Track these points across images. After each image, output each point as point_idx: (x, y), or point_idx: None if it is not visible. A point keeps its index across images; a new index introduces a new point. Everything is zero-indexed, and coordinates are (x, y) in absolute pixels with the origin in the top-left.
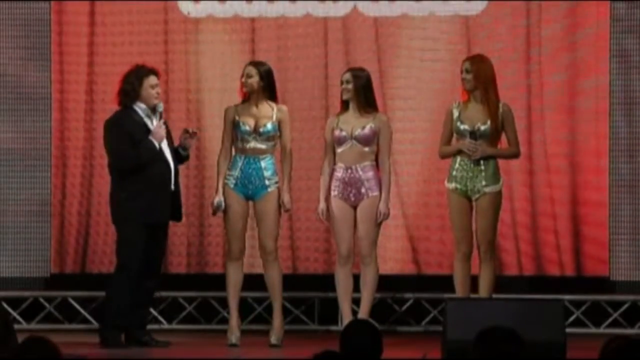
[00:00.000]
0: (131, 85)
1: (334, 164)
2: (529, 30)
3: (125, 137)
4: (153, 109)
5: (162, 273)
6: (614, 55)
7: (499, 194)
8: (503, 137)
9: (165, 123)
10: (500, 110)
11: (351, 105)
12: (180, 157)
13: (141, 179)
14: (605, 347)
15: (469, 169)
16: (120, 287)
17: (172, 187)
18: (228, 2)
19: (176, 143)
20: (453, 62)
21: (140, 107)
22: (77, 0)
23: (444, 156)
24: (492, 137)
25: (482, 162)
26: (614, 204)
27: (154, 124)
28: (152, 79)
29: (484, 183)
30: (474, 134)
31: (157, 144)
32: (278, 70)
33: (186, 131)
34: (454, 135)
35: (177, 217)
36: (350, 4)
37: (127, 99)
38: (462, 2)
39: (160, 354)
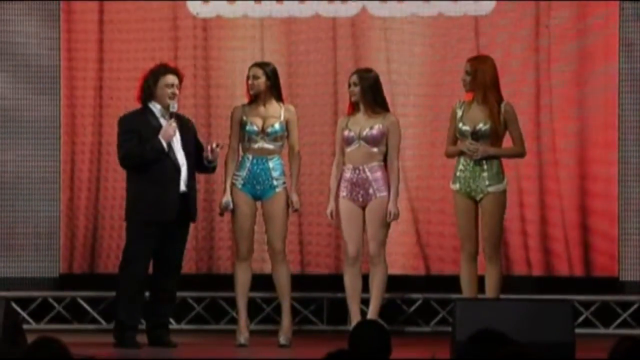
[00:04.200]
0: (147, 84)
1: (344, 164)
2: (538, 29)
3: (131, 134)
4: (168, 109)
5: None
6: (624, 49)
7: (502, 194)
8: (508, 137)
9: (187, 124)
10: (502, 110)
11: (360, 106)
12: (203, 165)
13: (147, 177)
14: (615, 348)
15: (472, 169)
16: (125, 285)
17: (184, 187)
18: (237, 2)
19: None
20: (462, 61)
21: (155, 107)
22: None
23: (449, 156)
24: (493, 137)
25: (484, 162)
26: (623, 205)
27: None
28: (169, 78)
29: (487, 183)
30: (475, 135)
31: (164, 144)
32: (287, 70)
33: (211, 147)
34: (457, 135)
35: (188, 217)
36: (359, 5)
37: (144, 97)
38: (471, 2)
39: (168, 354)
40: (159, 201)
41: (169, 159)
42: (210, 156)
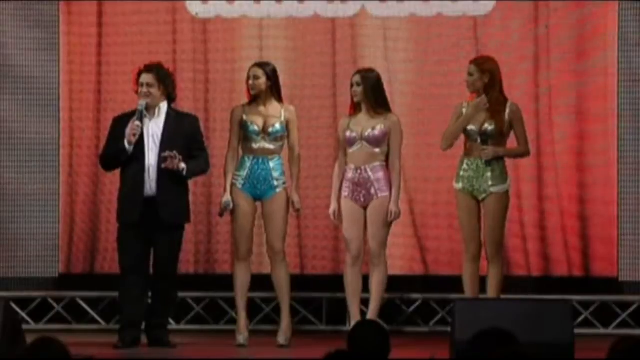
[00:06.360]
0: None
1: (346, 164)
2: (537, 30)
3: (113, 134)
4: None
5: None
6: (622, 57)
7: (505, 195)
8: (512, 137)
9: (184, 123)
10: (508, 110)
11: (362, 107)
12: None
13: (122, 178)
14: (613, 348)
15: (476, 169)
16: (119, 286)
17: (153, 189)
18: (236, 2)
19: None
20: (461, 61)
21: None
22: (86, 0)
23: (448, 136)
24: (499, 137)
25: (490, 162)
26: (623, 205)
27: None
28: (142, 77)
29: (490, 183)
30: (482, 135)
31: (126, 144)
32: (286, 70)
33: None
34: (462, 134)
35: (159, 221)
36: (359, 5)
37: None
38: (470, 2)
39: (168, 354)
40: (123, 202)
41: (136, 160)
42: (169, 166)
